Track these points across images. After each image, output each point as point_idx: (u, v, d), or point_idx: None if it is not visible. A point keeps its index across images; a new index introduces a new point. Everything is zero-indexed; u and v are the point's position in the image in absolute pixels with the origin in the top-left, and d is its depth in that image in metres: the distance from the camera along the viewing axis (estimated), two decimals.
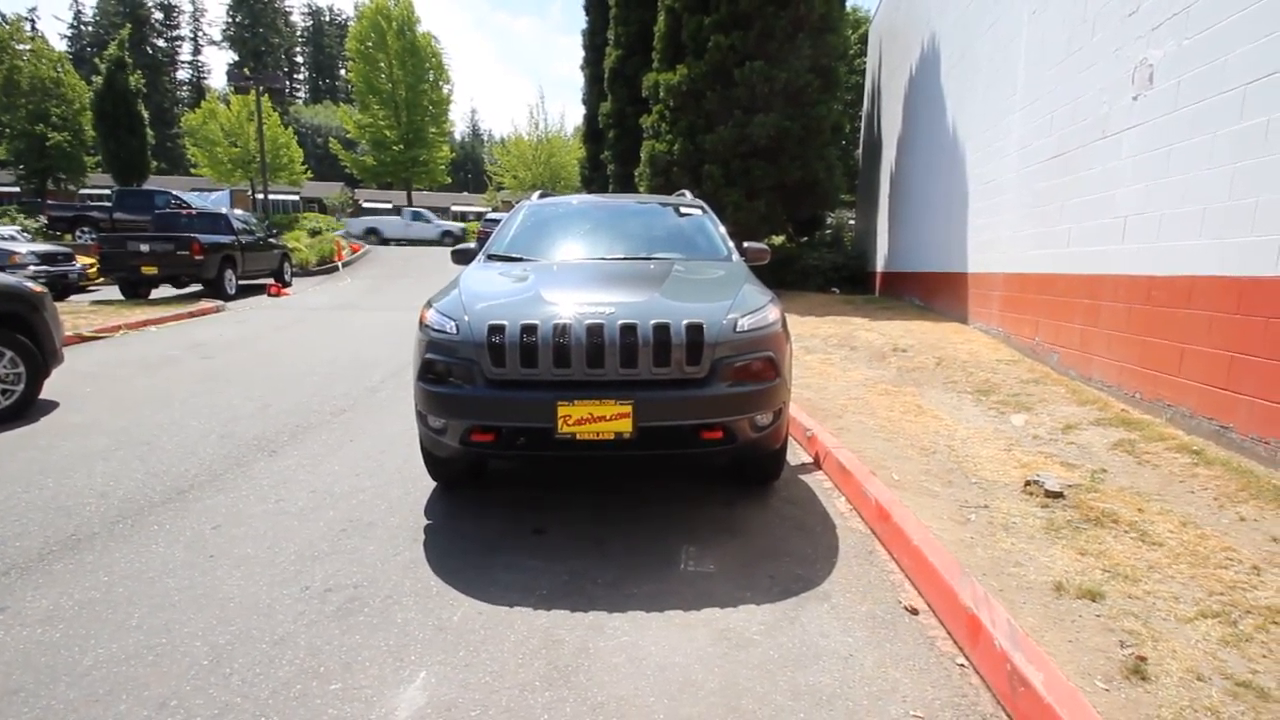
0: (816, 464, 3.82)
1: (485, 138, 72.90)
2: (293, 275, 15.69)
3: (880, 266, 12.65)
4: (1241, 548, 2.55)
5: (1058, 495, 3.11)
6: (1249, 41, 3.45)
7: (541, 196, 4.77)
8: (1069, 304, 5.28)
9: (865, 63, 16.18)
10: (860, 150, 16.02)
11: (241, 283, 13.17)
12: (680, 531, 2.97)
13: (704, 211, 4.39)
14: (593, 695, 1.88)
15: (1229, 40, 3.61)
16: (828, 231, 15.33)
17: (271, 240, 15.04)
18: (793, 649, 2.10)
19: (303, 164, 37.79)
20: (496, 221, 24.20)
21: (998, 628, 1.94)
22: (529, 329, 2.63)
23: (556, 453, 2.67)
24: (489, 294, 3.04)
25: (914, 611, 2.32)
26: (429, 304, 3.09)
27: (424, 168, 34.80)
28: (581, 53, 19.90)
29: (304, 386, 5.85)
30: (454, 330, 2.75)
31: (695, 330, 2.64)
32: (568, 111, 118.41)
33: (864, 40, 15.76)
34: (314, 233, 20.67)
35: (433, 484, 3.51)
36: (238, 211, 15.05)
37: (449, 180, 39.17)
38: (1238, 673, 1.87)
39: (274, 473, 3.73)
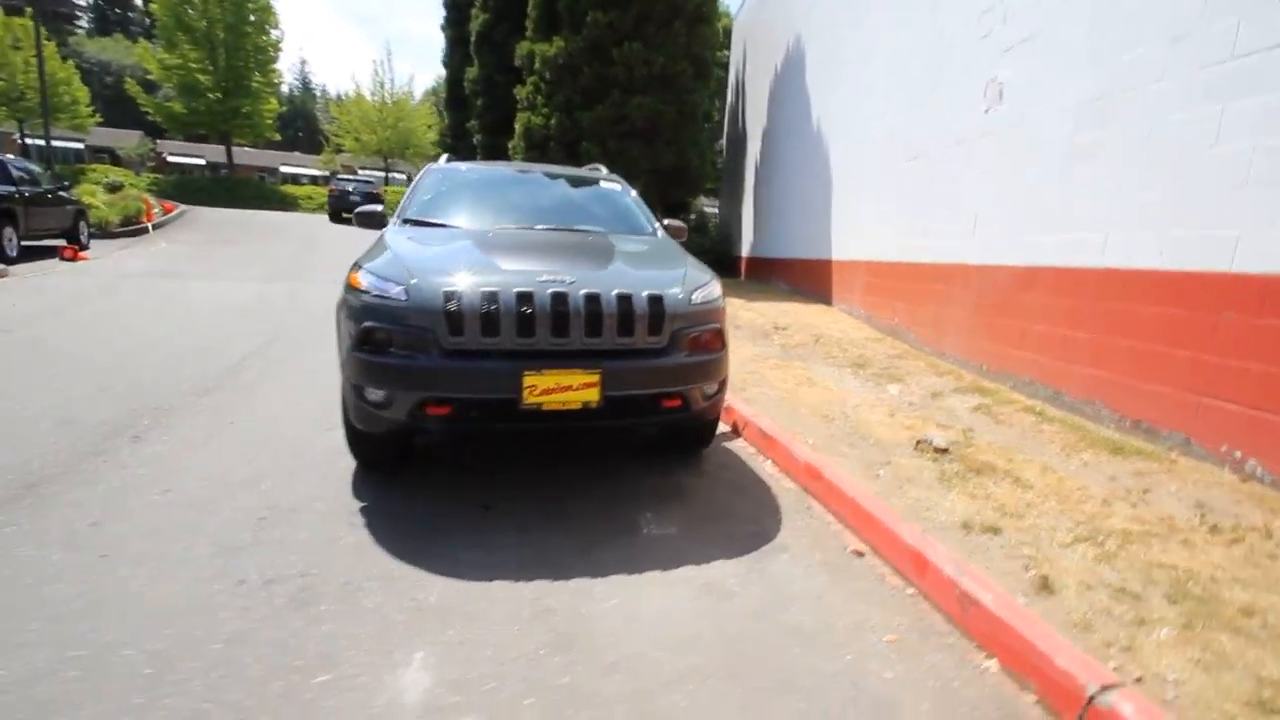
0: (736, 432, 4.06)
1: (319, 93, 66.05)
2: (90, 237, 13.29)
3: (745, 252, 13.41)
4: (1090, 486, 3.13)
5: (944, 451, 3.59)
6: (1086, 70, 4.13)
7: (448, 161, 4.51)
8: (924, 289, 6.02)
9: (728, 56, 16.90)
10: (724, 141, 16.76)
11: (25, 244, 10.94)
12: (628, 500, 3.03)
13: (624, 187, 4.41)
14: (602, 656, 1.90)
15: (1067, 67, 4.30)
16: (693, 217, 15.94)
17: (63, 194, 12.61)
18: (769, 595, 2.26)
19: (89, 106, 31.96)
20: (347, 184, 22.23)
21: (942, 560, 2.24)
22: (490, 296, 2.52)
23: (517, 424, 2.61)
24: (431, 258, 2.86)
25: (860, 554, 2.59)
26: (358, 266, 2.84)
27: (247, 120, 30.83)
28: (443, 12, 18.73)
29: (147, 366, 5.06)
30: (401, 295, 2.56)
31: (656, 301, 2.70)
32: (418, 73, 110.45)
33: (728, 34, 16.43)
34: (113, 187, 17.60)
35: (348, 467, 3.25)
36: (10, 157, 12.35)
37: (278, 137, 35.13)
38: (1114, 581, 2.32)
39: (146, 460, 3.24)
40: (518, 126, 12.62)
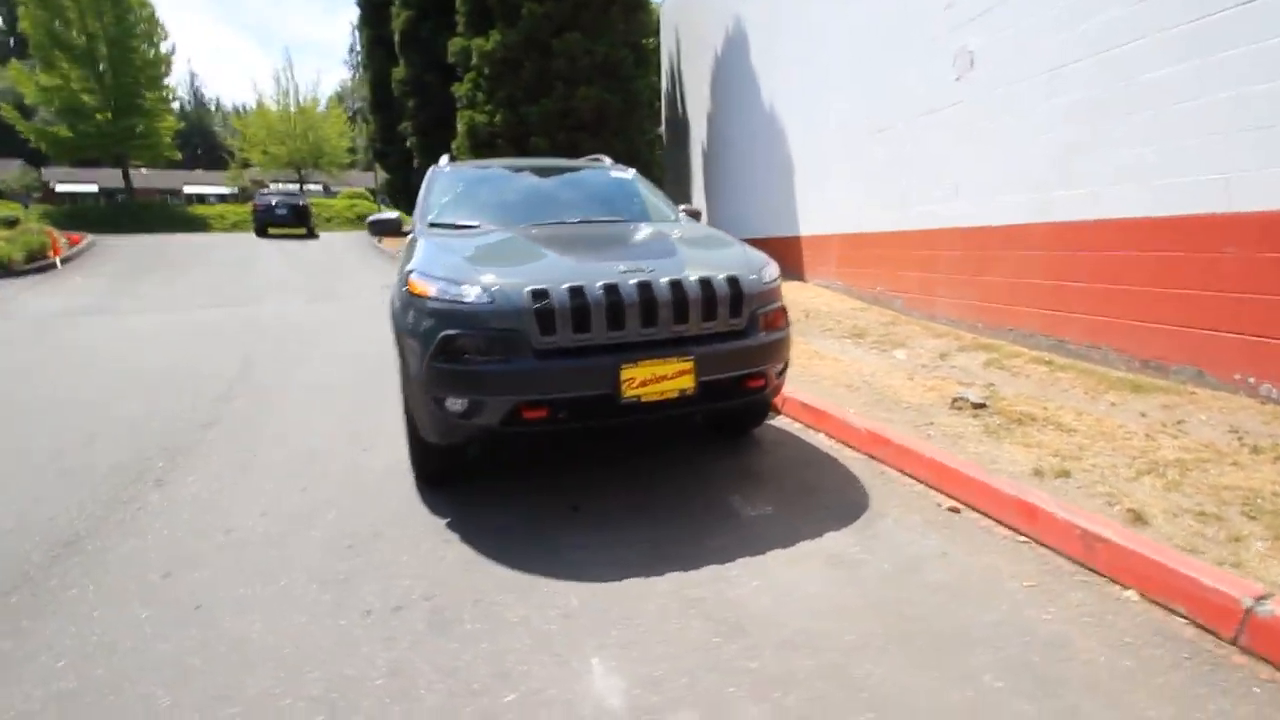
0: (774, 409, 4.11)
1: (213, 107, 61.98)
2: None
3: None
4: (1128, 423, 3.35)
5: (982, 406, 3.75)
6: (1059, 34, 4.37)
7: (450, 163, 4.34)
8: (908, 256, 6.25)
9: (657, 43, 16.91)
10: (663, 127, 16.80)
11: None
12: (708, 485, 3.03)
13: (634, 175, 4.37)
14: (774, 636, 1.91)
15: (1038, 31, 4.53)
16: None
17: None
18: (896, 559, 2.32)
19: None
20: (271, 198, 21.00)
21: (1051, 506, 2.36)
22: (576, 291, 2.46)
23: (618, 419, 2.55)
24: (496, 259, 2.75)
25: (956, 510, 2.68)
26: (415, 272, 2.71)
27: (143, 140, 28.67)
28: (357, 11, 17.87)
29: (123, 406, 4.67)
30: (484, 299, 2.46)
31: (734, 283, 2.70)
32: (322, 78, 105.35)
33: (657, 21, 16.42)
34: (9, 223, 16.04)
35: (407, 484, 3.11)
36: None
37: (179, 156, 32.80)
38: (1191, 506, 2.49)
39: (183, 503, 3.00)
40: (460, 125, 12.28)
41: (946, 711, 1.60)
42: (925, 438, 3.37)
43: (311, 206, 21.31)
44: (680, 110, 14.86)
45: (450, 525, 2.69)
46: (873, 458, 3.28)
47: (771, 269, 2.98)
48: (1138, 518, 2.44)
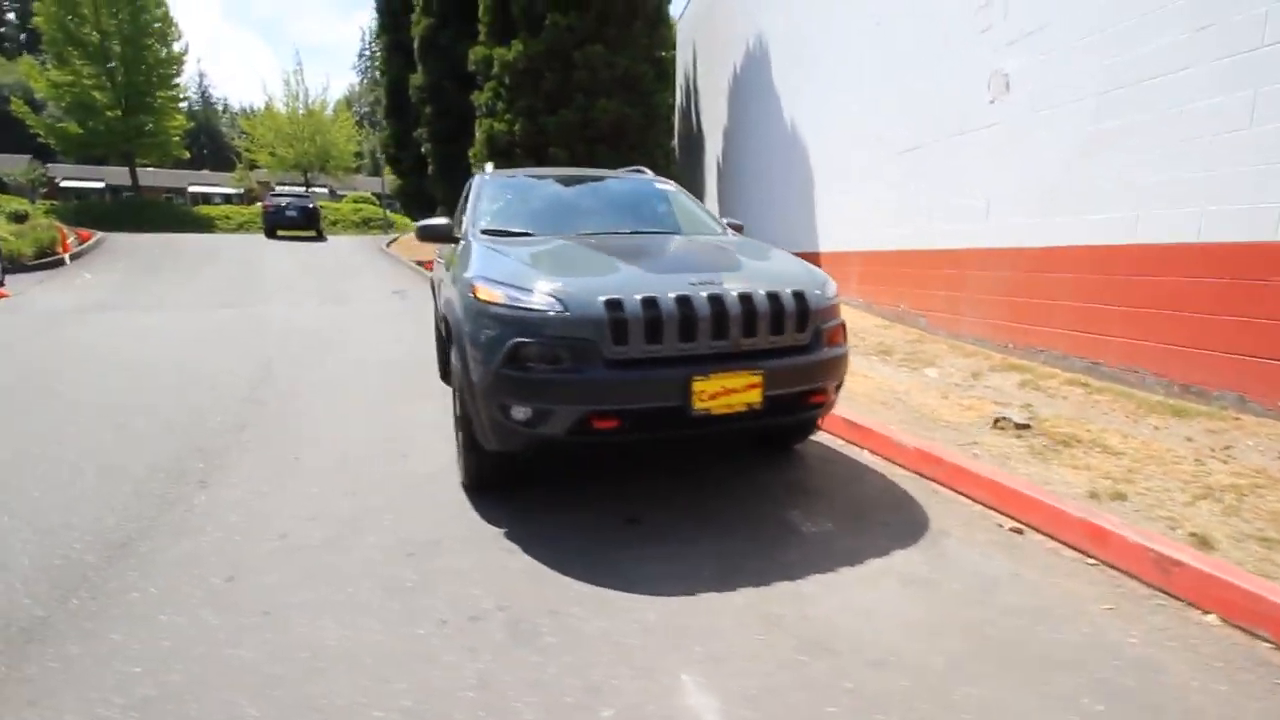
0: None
1: (220, 107, 62.08)
2: (4, 271, 12.04)
3: None
4: (1175, 448, 3.35)
5: (1026, 427, 3.75)
6: (1100, 61, 4.42)
7: (494, 170, 4.35)
8: (934, 275, 6.27)
9: (674, 56, 17.05)
10: (676, 141, 16.89)
11: None
12: (764, 499, 3.02)
13: (677, 187, 4.39)
14: (865, 654, 1.89)
15: (1079, 59, 4.58)
16: None
17: None
18: (970, 580, 2.31)
19: None
20: (281, 199, 20.99)
21: (1122, 529, 2.35)
22: (650, 302, 2.46)
23: (685, 431, 2.55)
24: (563, 267, 2.75)
25: (1019, 531, 2.68)
26: (481, 278, 2.70)
27: (152, 139, 28.72)
28: (375, 17, 17.95)
29: (151, 404, 4.65)
30: (557, 307, 2.45)
31: (800, 298, 2.70)
32: (330, 81, 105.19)
33: (673, 36, 16.57)
34: (18, 217, 15.99)
35: (456, 492, 3.09)
36: None
37: (187, 155, 32.85)
38: (1252, 531, 2.49)
39: (231, 506, 2.97)
40: (479, 134, 12.32)
41: None
42: (973, 457, 3.37)
43: (321, 209, 21.33)
44: (695, 125, 14.96)
45: (508, 535, 2.67)
46: (922, 475, 3.27)
47: (833, 285, 2.99)
48: (1203, 542, 2.44)
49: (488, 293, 2.62)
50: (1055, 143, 4.83)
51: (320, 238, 21.68)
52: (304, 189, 34.01)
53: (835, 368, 2.83)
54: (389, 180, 38.29)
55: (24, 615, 2.13)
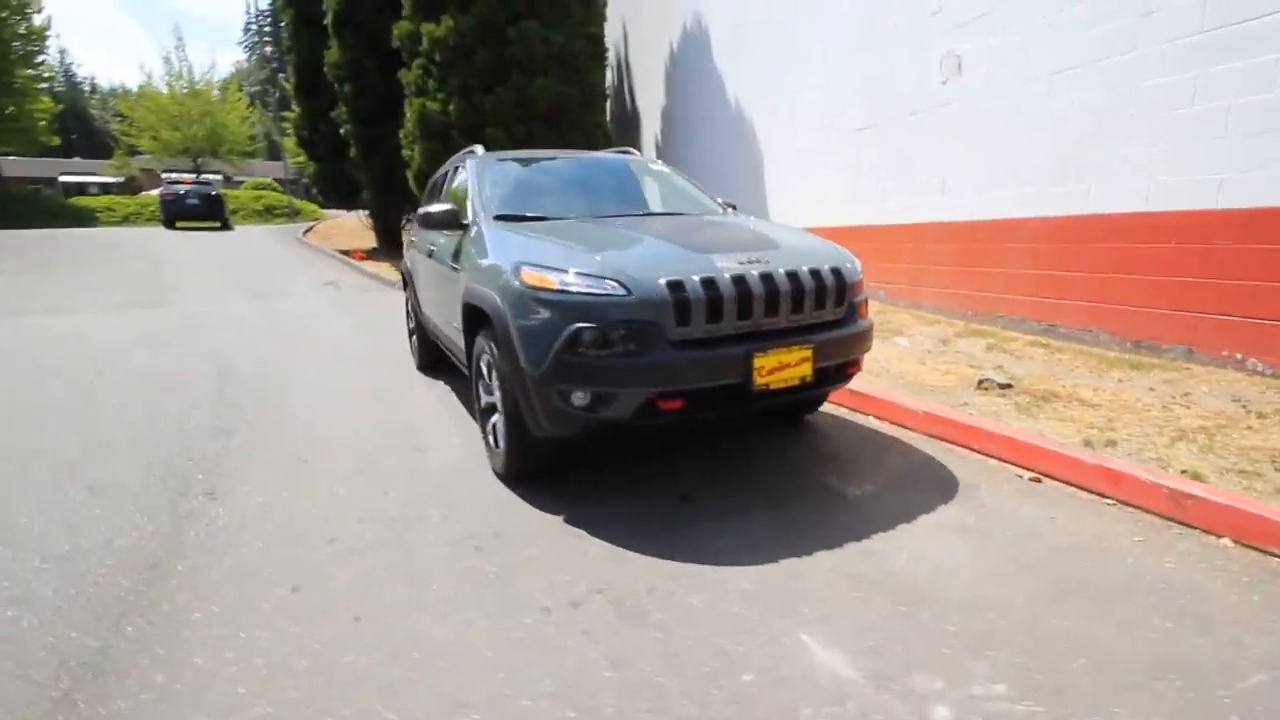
0: None
1: (87, 87, 55.81)
2: None
3: None
4: (1142, 397, 3.75)
5: (1008, 386, 4.07)
6: (1051, 44, 4.76)
7: (486, 154, 4.22)
8: (892, 249, 6.60)
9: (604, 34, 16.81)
10: (609, 120, 16.75)
11: None
12: (797, 470, 3.16)
13: (672, 169, 4.41)
14: (955, 599, 2.05)
15: (1030, 42, 4.93)
16: None
17: None
18: (1014, 526, 2.52)
19: None
20: (180, 187, 19.25)
21: (1135, 470, 2.63)
22: (708, 282, 2.51)
23: (743, 407, 2.62)
24: (610, 250, 2.73)
25: (1038, 480, 2.93)
26: (527, 264, 2.66)
27: (14, 124, 25.65)
28: None
29: (111, 416, 4.29)
30: (619, 290, 2.46)
31: (838, 274, 2.83)
32: (219, 59, 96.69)
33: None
34: None
35: (488, 484, 3.06)
36: None
37: (56, 141, 29.52)
38: (1230, 465, 2.83)
39: (258, 515, 2.82)
40: (409, 113, 11.79)
41: (1145, 650, 1.79)
42: (968, 417, 3.63)
43: (226, 197, 19.77)
44: (629, 103, 14.89)
45: (569, 521, 2.68)
46: (932, 436, 3.51)
47: (857, 261, 3.13)
48: (1195, 477, 2.77)
49: (538, 278, 2.58)
50: (1009, 122, 5.18)
51: (226, 227, 20.16)
52: (195, 175, 31.40)
53: (867, 339, 2.98)
54: (298, 165, 35.95)
55: (77, 648, 1.96)
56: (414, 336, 5.52)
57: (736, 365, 2.51)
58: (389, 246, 17.88)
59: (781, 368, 2.59)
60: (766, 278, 2.60)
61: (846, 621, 1.96)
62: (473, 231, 3.39)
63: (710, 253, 2.68)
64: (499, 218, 3.40)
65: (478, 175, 3.76)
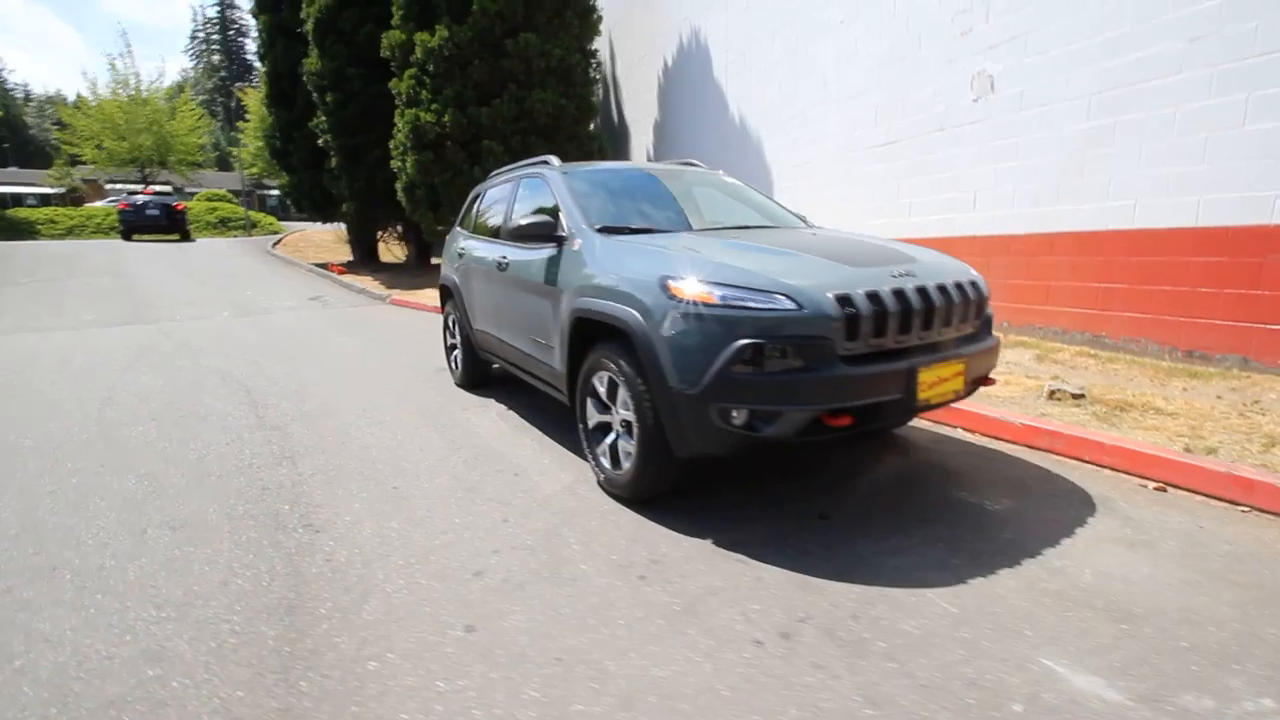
0: None
1: (21, 95, 52.63)
2: None
3: None
4: (1214, 405, 3.86)
5: (1081, 396, 4.15)
6: (1091, 66, 4.94)
7: (560, 165, 4.10)
8: None
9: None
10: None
11: None
12: (922, 485, 3.12)
13: (741, 181, 4.37)
14: (1168, 612, 2.03)
15: (1069, 64, 5.10)
16: None
17: None
18: (1172, 537, 2.54)
19: None
20: (139, 198, 18.20)
21: (1268, 477, 2.69)
22: (873, 297, 2.46)
23: (900, 422, 2.57)
24: (766, 264, 2.64)
25: (1163, 490, 2.97)
26: (678, 278, 2.56)
27: None
28: None
29: (146, 442, 3.98)
30: (790, 305, 2.38)
31: (976, 288, 2.82)
32: (167, 66, 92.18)
33: None
34: None
35: (609, 506, 2.93)
36: None
37: None
38: None
39: (376, 547, 2.62)
40: (400, 124, 11.49)
41: None
42: (1079, 428, 3.67)
43: (187, 209, 18.86)
44: (617, 117, 14.89)
45: (719, 544, 2.57)
46: (1034, 448, 3.53)
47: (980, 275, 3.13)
48: None
49: (694, 292, 2.49)
50: (1045, 140, 5.34)
51: (186, 239, 19.21)
52: (144, 184, 29.90)
53: (999, 351, 2.98)
54: (253, 175, 34.58)
55: (255, 712, 1.75)
56: (455, 352, 5.31)
57: (902, 380, 2.47)
58: (367, 259, 17.39)
59: (940, 382, 2.56)
60: (922, 292, 2.57)
61: (1077, 643, 1.92)
62: (575, 244, 3.27)
63: (861, 267, 2.64)
64: (604, 230, 3.29)
65: (565, 187, 3.64)
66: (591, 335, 3.09)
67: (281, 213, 39.96)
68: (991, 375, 2.99)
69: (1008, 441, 3.65)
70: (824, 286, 2.44)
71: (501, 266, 4.06)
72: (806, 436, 2.46)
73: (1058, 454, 3.43)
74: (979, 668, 1.82)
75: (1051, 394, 4.22)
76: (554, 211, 3.56)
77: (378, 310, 10.76)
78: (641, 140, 13.53)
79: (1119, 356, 4.90)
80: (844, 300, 2.41)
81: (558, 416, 4.34)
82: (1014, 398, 4.27)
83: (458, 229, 5.41)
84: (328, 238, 21.58)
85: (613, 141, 15.01)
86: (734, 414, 2.43)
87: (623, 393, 2.82)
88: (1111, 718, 1.63)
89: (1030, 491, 3.00)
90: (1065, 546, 2.48)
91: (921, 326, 2.57)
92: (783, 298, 2.40)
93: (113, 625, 2.14)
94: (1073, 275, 5.24)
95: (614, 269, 2.89)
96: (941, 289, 2.64)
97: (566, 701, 1.74)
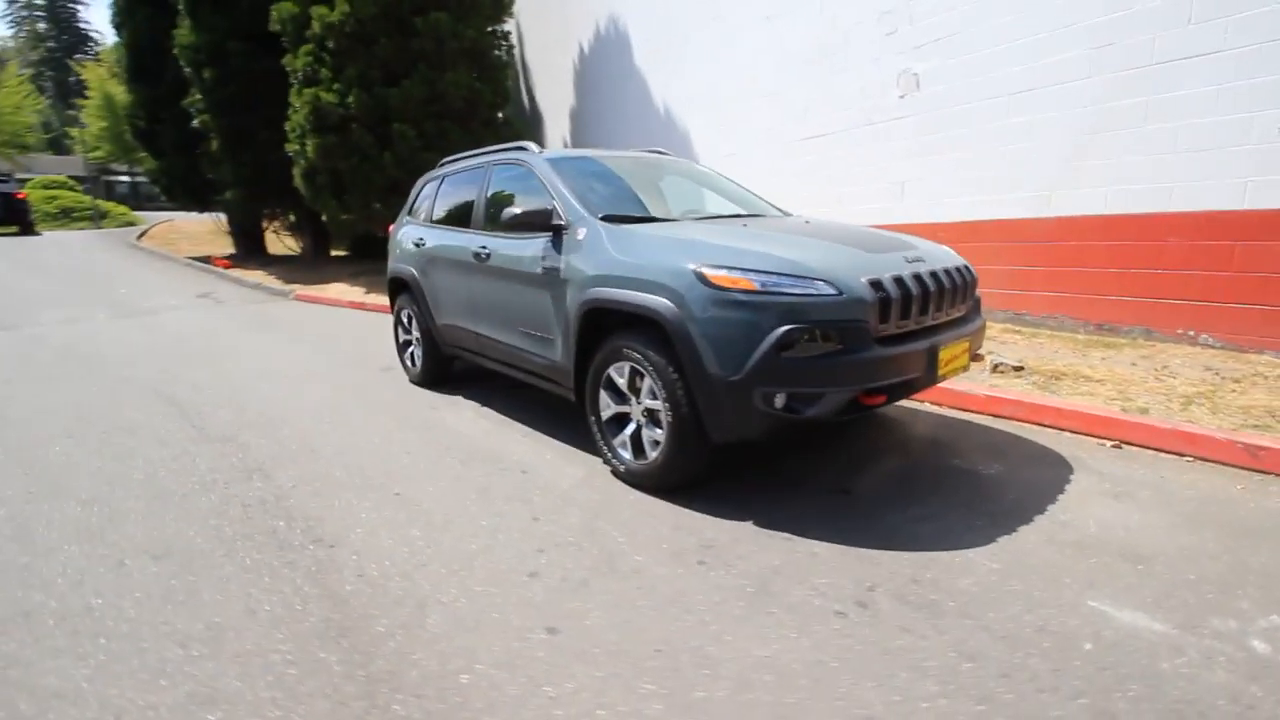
0: None
1: None
2: None
3: None
4: (1131, 371, 4.40)
5: (1020, 368, 4.59)
6: (1009, 68, 5.43)
7: (540, 151, 3.96)
8: None
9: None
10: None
11: None
12: (919, 456, 3.36)
13: (712, 170, 4.44)
14: (1168, 552, 2.32)
15: (988, 65, 5.58)
16: None
17: None
18: (1141, 486, 2.89)
19: None
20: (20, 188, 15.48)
21: (1209, 430, 3.13)
22: (898, 281, 2.60)
23: (918, 396, 2.74)
24: (785, 250, 2.71)
25: (1119, 446, 3.36)
26: (714, 265, 2.58)
27: None
28: None
29: (102, 470, 3.52)
30: (830, 290, 2.47)
31: (971, 272, 3.05)
32: None
33: None
34: None
35: (638, 497, 2.94)
36: None
37: None
38: (1242, 422, 3.44)
39: (405, 561, 2.48)
40: (298, 104, 10.62)
41: None
42: (1043, 396, 4.05)
43: (28, 199, 16.39)
44: (528, 103, 14.55)
45: (760, 524, 2.64)
46: (998, 416, 3.87)
47: None
48: (1264, 425, 3.33)
49: (731, 279, 2.52)
50: (968, 135, 5.81)
51: (29, 232, 16.74)
52: None
53: (985, 330, 3.24)
54: (97, 160, 30.57)
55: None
56: (412, 349, 5.04)
57: (927, 358, 2.64)
58: (253, 252, 15.96)
59: (953, 359, 2.77)
60: (934, 276, 2.75)
61: (1110, 585, 2.15)
62: (579, 233, 3.20)
63: (878, 253, 2.78)
64: (608, 218, 3.24)
65: (556, 175, 3.54)
66: (604, 325, 3.05)
67: (133, 201, 35.75)
68: (980, 352, 3.25)
69: (973, 412, 3.99)
70: (855, 271, 2.56)
71: (480, 257, 3.89)
72: (843, 416, 2.58)
73: (1020, 420, 3.78)
74: (1041, 616, 2.00)
75: (995, 367, 4.64)
76: (546, 199, 3.46)
77: (283, 307, 9.95)
78: (557, 127, 13.32)
79: (1040, 332, 5.46)
80: (875, 285, 2.54)
81: (541, 410, 4.24)
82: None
83: (407, 219, 5.11)
84: (202, 228, 19.56)
85: (526, 128, 14.65)
86: (777, 397, 2.50)
87: (648, 382, 2.82)
88: (1166, 646, 1.85)
89: (1010, 456, 3.30)
90: (1063, 502, 2.76)
91: (935, 308, 2.75)
92: (822, 283, 2.49)
93: (136, 671, 1.88)
94: (997, 259, 5.76)
95: (635, 257, 2.86)
96: (947, 273, 2.84)
97: (685, 690, 1.74)
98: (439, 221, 4.63)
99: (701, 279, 2.58)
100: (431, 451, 3.60)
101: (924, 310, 2.70)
